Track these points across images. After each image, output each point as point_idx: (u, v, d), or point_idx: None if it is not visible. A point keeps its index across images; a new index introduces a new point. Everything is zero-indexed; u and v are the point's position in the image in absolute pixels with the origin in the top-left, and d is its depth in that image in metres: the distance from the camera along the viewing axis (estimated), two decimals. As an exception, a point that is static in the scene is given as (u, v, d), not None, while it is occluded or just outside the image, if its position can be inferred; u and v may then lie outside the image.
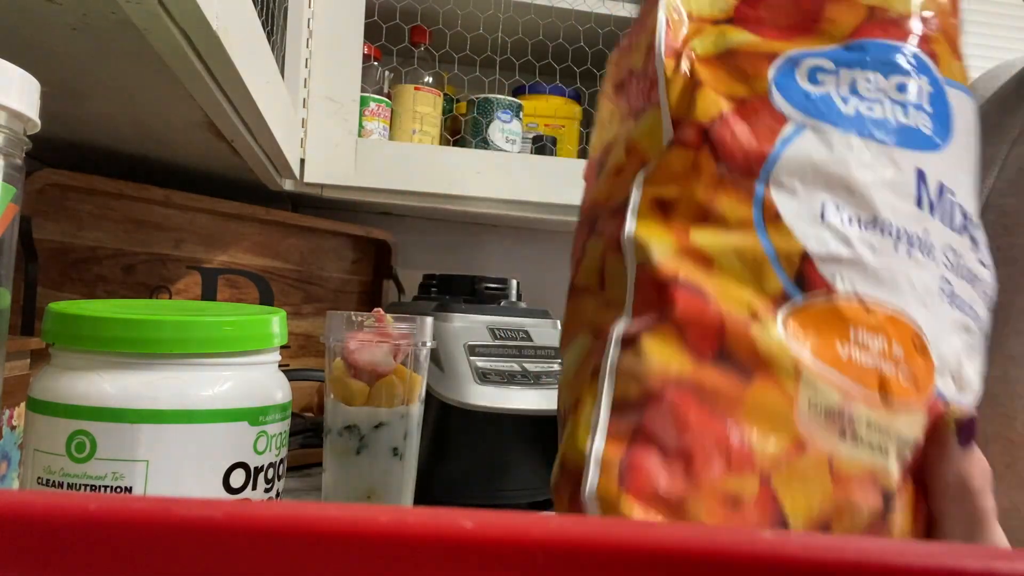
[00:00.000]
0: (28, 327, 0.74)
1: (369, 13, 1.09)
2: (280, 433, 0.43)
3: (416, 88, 1.15)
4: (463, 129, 1.21)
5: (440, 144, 1.18)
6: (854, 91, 0.32)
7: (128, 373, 0.38)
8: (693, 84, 0.31)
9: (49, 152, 0.86)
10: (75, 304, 0.44)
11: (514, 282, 1.10)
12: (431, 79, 1.18)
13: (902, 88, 0.32)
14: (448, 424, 0.77)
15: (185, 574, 0.14)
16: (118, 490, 0.37)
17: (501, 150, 1.16)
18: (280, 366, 0.46)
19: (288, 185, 1.08)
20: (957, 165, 0.33)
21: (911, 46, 0.33)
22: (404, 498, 0.63)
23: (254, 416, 0.41)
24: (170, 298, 0.94)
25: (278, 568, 0.13)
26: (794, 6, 0.34)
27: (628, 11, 1.23)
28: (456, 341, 0.90)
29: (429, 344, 0.67)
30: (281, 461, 0.43)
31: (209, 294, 1.02)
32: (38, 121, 0.39)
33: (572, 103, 1.28)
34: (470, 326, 0.94)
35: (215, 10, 0.46)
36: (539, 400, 0.81)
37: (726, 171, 0.30)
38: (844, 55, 0.32)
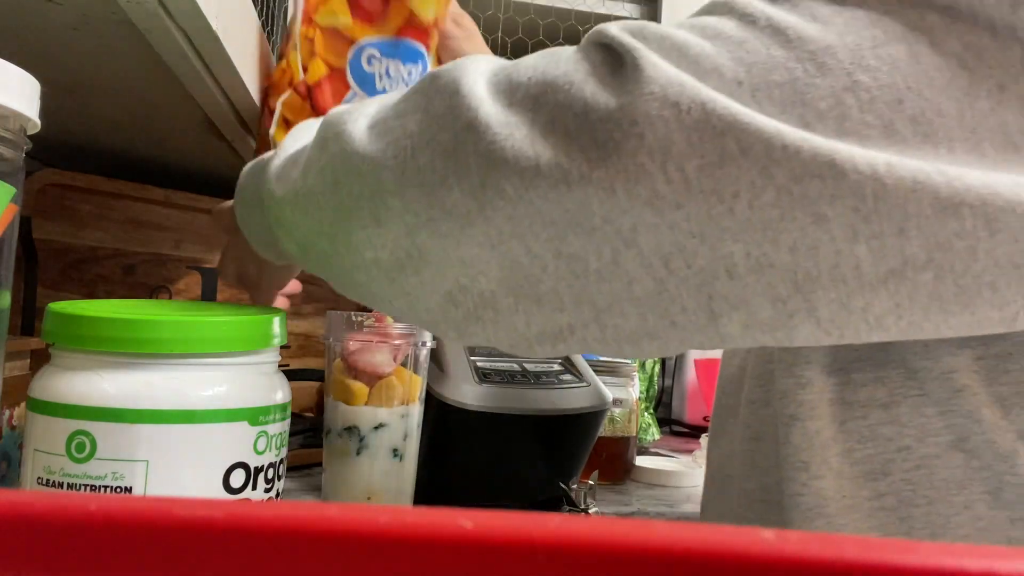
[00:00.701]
0: (28, 327, 0.74)
1: (369, 13, 1.10)
2: (280, 433, 0.43)
3: (416, 88, 1.16)
4: (463, 129, 1.22)
5: (440, 144, 1.18)
6: (388, 74, 0.50)
7: (128, 373, 0.38)
8: (311, 52, 0.43)
9: (49, 152, 0.86)
10: (75, 304, 0.44)
11: (514, 282, 1.10)
12: (431, 79, 1.18)
13: (410, 74, 0.50)
14: (448, 424, 0.77)
15: (185, 574, 0.14)
16: (118, 490, 0.37)
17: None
18: (280, 366, 0.46)
19: (288, 185, 1.08)
20: None
21: (424, 48, 0.51)
22: (404, 498, 0.63)
23: (254, 416, 0.41)
24: (170, 298, 0.94)
25: (278, 568, 0.13)
26: (377, 8, 0.50)
27: (628, 11, 1.23)
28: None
29: (429, 344, 0.67)
30: (281, 461, 0.43)
31: (209, 294, 1.02)
32: (38, 121, 0.39)
33: (572, 103, 1.28)
34: (470, 326, 0.94)
35: (215, 10, 0.46)
36: (539, 400, 0.81)
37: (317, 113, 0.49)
38: (388, 47, 0.50)
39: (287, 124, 0.52)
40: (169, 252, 0.96)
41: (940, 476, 0.38)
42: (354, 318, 0.64)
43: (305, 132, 0.46)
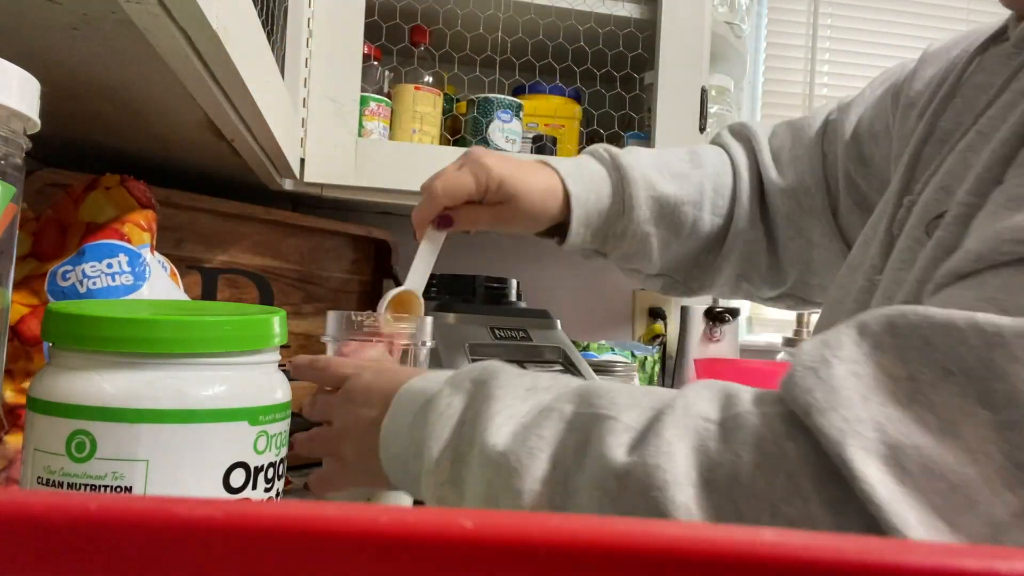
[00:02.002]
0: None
1: (369, 13, 1.09)
2: (280, 433, 0.43)
3: (416, 88, 1.15)
4: (463, 129, 1.21)
5: (440, 144, 1.18)
6: (86, 276, 0.59)
7: (128, 373, 0.38)
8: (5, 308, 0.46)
9: (49, 152, 0.86)
10: (75, 304, 0.44)
11: (514, 282, 1.10)
12: (431, 79, 1.18)
13: (110, 265, 0.60)
14: (448, 424, 0.77)
15: (185, 574, 0.14)
16: (118, 490, 0.37)
17: (501, 150, 1.16)
18: (280, 366, 0.46)
19: (288, 185, 1.08)
20: (158, 293, 0.63)
21: (113, 239, 0.62)
22: (404, 499, 0.63)
23: (254, 416, 0.41)
24: (170, 298, 0.94)
25: (278, 568, 0.13)
26: (54, 242, 0.61)
27: (628, 11, 1.23)
28: (456, 341, 0.90)
29: (429, 344, 0.67)
30: (281, 461, 0.43)
31: (209, 294, 1.02)
32: (38, 121, 0.39)
33: (572, 103, 1.28)
34: (470, 326, 0.94)
35: (215, 10, 0.46)
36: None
37: (28, 348, 0.57)
38: (75, 259, 0.60)
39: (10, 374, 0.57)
40: (169, 252, 0.96)
41: None
42: (353, 317, 0.64)
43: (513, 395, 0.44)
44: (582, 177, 0.71)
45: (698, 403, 0.38)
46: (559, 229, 0.73)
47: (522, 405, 0.43)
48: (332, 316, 0.65)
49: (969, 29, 0.67)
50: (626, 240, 0.73)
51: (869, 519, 0.32)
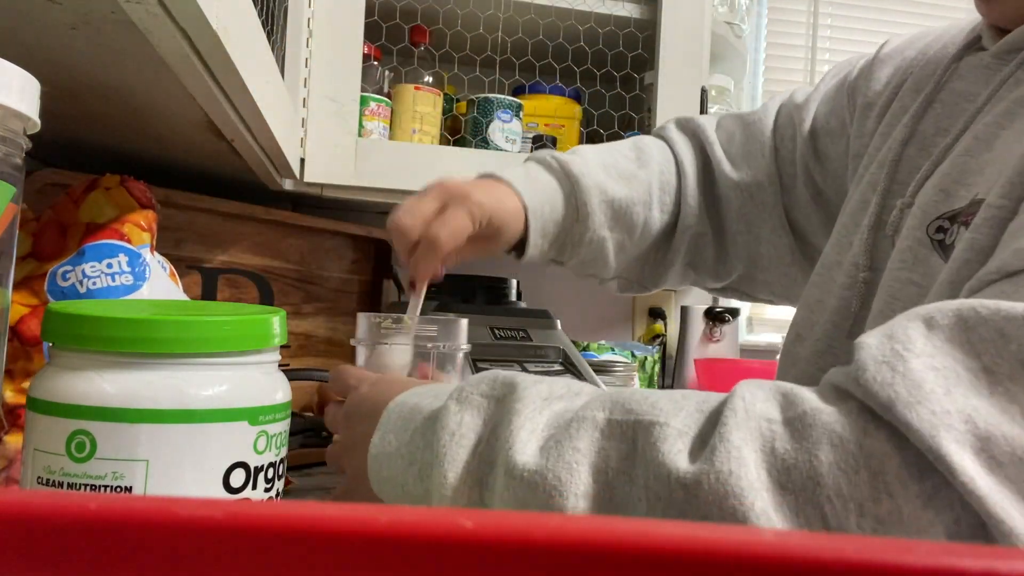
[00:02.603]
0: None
1: (369, 13, 1.09)
2: (280, 433, 0.43)
3: (416, 88, 1.15)
4: (463, 129, 1.21)
5: (440, 144, 1.18)
6: (85, 276, 0.60)
7: (128, 373, 0.38)
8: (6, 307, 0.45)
9: (49, 152, 0.86)
10: (75, 304, 0.44)
11: (514, 282, 1.10)
12: (431, 79, 1.18)
13: (109, 265, 0.60)
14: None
15: (185, 574, 0.14)
16: (118, 490, 0.37)
17: (501, 150, 1.16)
18: (280, 366, 0.46)
19: (288, 185, 1.08)
20: (157, 293, 0.63)
21: (113, 239, 0.62)
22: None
23: (254, 416, 0.41)
24: (170, 298, 0.94)
25: (278, 568, 0.13)
26: (54, 242, 0.61)
27: (628, 11, 1.23)
28: (456, 341, 0.90)
29: (464, 348, 0.64)
30: (281, 461, 0.43)
31: (209, 294, 1.02)
32: (38, 121, 0.39)
33: (572, 103, 1.28)
34: (470, 326, 0.94)
35: (215, 10, 0.46)
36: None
37: (28, 349, 0.57)
38: (75, 260, 0.60)
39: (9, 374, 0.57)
40: (169, 252, 0.96)
41: None
42: (374, 319, 0.62)
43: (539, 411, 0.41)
44: (535, 189, 0.70)
45: (756, 403, 0.37)
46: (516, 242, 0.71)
47: (541, 416, 0.42)
48: (362, 319, 0.63)
49: (922, 30, 0.69)
50: (583, 247, 0.73)
51: (958, 511, 0.32)
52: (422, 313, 0.66)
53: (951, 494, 0.32)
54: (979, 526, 0.32)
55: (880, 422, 0.34)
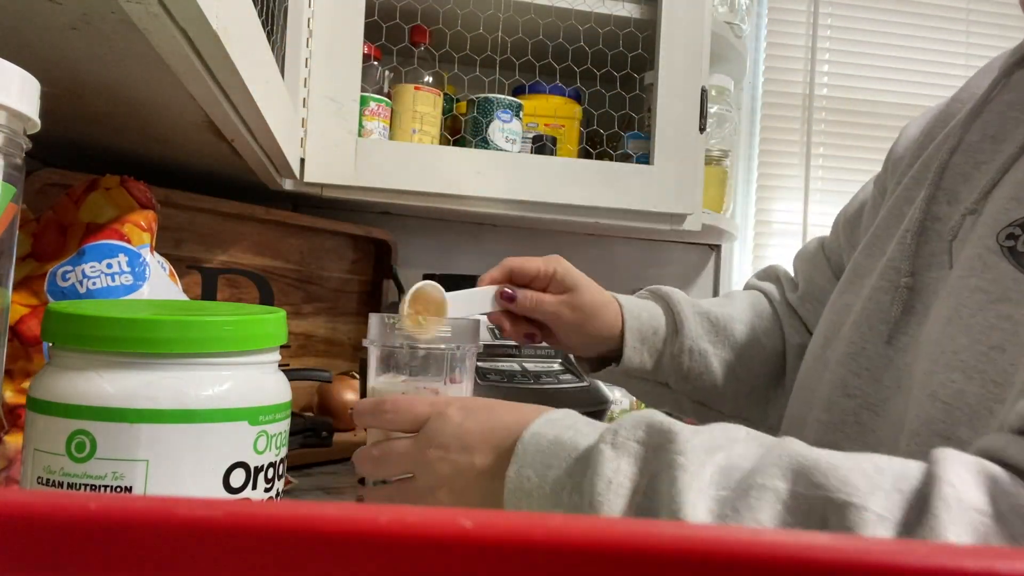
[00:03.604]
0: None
1: (369, 13, 1.09)
2: (280, 433, 0.43)
3: (416, 88, 1.15)
4: (463, 129, 1.21)
5: (440, 144, 1.18)
6: (85, 276, 0.59)
7: (128, 373, 0.38)
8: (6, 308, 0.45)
9: (49, 152, 0.86)
10: (75, 304, 0.44)
11: (514, 282, 1.10)
12: (431, 79, 1.18)
13: (109, 265, 0.60)
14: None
15: (185, 574, 0.14)
16: (118, 490, 0.37)
17: (501, 150, 1.16)
18: (280, 366, 0.46)
19: (288, 185, 1.08)
20: (157, 293, 0.62)
21: (113, 240, 0.62)
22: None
23: (254, 416, 0.41)
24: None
25: (278, 568, 0.13)
26: (54, 243, 0.61)
27: (628, 11, 1.23)
28: (456, 341, 0.90)
29: (476, 347, 0.63)
30: (281, 461, 0.43)
31: (209, 294, 1.02)
32: (38, 121, 0.39)
33: (572, 103, 1.28)
34: (470, 326, 0.94)
35: (215, 10, 0.46)
36: (539, 399, 0.81)
37: (28, 349, 0.57)
38: (75, 260, 0.60)
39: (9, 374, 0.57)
40: (169, 252, 0.96)
41: None
42: (386, 320, 0.60)
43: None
44: (632, 300, 0.74)
45: (967, 491, 0.35)
46: (608, 359, 0.74)
47: (704, 472, 0.39)
48: (374, 319, 0.61)
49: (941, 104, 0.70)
50: (684, 355, 0.73)
51: None
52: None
53: None
54: None
55: None
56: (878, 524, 0.35)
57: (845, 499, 0.36)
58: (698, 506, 0.38)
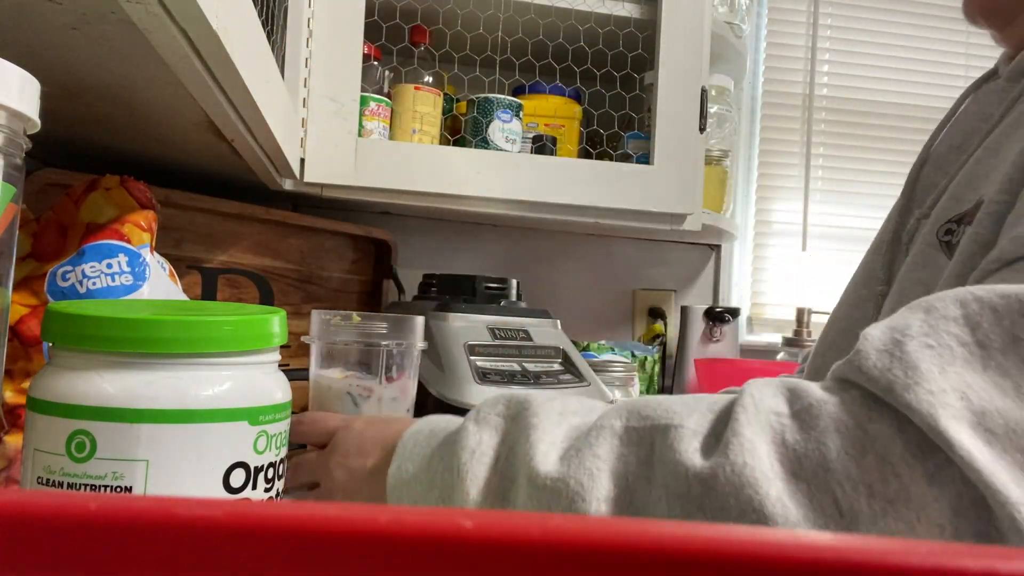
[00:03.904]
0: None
1: (369, 13, 1.09)
2: (280, 433, 0.43)
3: (416, 88, 1.15)
4: (463, 129, 1.21)
5: (440, 144, 1.18)
6: (85, 276, 0.59)
7: (128, 373, 0.38)
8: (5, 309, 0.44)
9: (49, 152, 0.86)
10: (75, 304, 0.44)
11: (514, 282, 1.10)
12: (431, 79, 1.18)
13: (109, 265, 0.60)
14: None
15: (185, 574, 0.14)
16: (118, 490, 0.37)
17: (501, 150, 1.16)
18: (280, 366, 0.46)
19: (288, 185, 1.08)
20: (157, 293, 0.62)
21: (112, 240, 0.61)
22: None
23: (254, 416, 0.41)
24: (170, 298, 0.94)
25: (278, 568, 0.13)
26: (54, 243, 0.61)
27: (628, 11, 1.23)
28: (456, 341, 0.90)
29: (420, 346, 0.65)
30: (281, 461, 0.43)
31: (209, 294, 1.02)
32: (38, 121, 0.39)
33: (572, 103, 1.28)
34: (470, 326, 0.94)
35: (215, 10, 0.46)
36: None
37: (28, 349, 0.56)
38: (75, 260, 0.59)
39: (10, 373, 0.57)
40: (169, 252, 0.96)
41: None
42: (323, 317, 0.63)
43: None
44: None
45: (765, 399, 0.39)
46: None
47: (558, 430, 0.43)
48: (315, 316, 0.64)
49: None
50: None
51: (960, 487, 0.33)
52: (418, 312, 0.66)
53: (953, 471, 0.34)
54: (980, 499, 0.33)
55: (883, 406, 0.35)
56: (693, 438, 0.39)
57: (667, 423, 0.40)
58: (549, 455, 0.41)
